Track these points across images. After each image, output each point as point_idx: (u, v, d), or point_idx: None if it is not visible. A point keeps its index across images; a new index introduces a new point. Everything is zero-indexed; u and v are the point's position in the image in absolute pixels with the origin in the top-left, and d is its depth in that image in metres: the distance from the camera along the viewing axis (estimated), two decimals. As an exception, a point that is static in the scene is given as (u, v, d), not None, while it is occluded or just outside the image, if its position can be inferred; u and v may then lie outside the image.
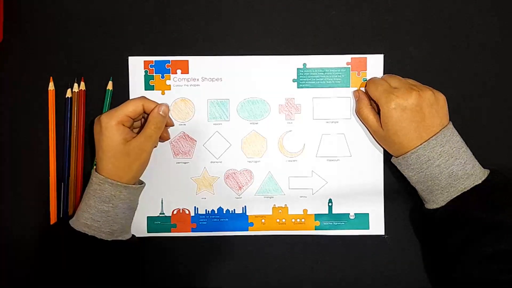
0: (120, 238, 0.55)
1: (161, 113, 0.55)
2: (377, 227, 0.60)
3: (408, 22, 0.60)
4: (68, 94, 0.59)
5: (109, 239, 0.54)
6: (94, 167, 0.55)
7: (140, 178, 0.57)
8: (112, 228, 0.54)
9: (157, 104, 0.55)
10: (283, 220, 0.60)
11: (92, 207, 0.53)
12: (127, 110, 0.54)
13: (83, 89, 0.59)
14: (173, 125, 0.59)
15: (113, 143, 0.53)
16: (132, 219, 0.57)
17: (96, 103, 0.59)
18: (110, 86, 0.59)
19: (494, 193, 0.52)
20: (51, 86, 0.59)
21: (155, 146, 0.59)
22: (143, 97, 0.56)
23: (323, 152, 0.60)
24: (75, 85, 0.59)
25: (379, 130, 0.56)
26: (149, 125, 0.54)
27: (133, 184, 0.55)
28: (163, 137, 0.59)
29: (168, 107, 0.56)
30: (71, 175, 0.59)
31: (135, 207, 0.57)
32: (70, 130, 0.59)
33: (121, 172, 0.53)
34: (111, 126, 0.53)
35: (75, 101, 0.59)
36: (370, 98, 0.57)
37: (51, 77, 0.59)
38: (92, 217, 0.53)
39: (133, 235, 0.58)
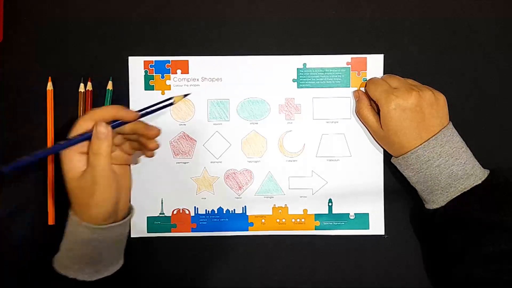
0: (106, 274, 0.50)
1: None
2: (377, 227, 0.60)
3: (408, 22, 0.60)
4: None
5: (92, 279, 0.49)
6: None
7: (140, 178, 0.56)
8: (97, 268, 0.50)
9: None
10: (283, 220, 0.60)
11: (71, 250, 0.49)
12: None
13: (90, 90, 0.59)
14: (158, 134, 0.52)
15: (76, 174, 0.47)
16: (124, 246, 0.53)
17: (96, 103, 0.59)
18: (110, 86, 0.59)
19: (494, 193, 0.52)
20: (49, 86, 0.59)
21: (136, 163, 0.55)
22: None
23: (323, 152, 0.60)
24: (81, 85, 0.59)
25: (379, 130, 0.56)
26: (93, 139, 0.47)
27: (119, 220, 0.50)
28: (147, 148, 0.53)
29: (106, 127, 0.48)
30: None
31: (124, 237, 0.52)
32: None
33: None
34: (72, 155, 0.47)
35: (81, 101, 0.59)
36: (370, 98, 0.57)
37: (49, 77, 0.59)
38: (72, 260, 0.49)
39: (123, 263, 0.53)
